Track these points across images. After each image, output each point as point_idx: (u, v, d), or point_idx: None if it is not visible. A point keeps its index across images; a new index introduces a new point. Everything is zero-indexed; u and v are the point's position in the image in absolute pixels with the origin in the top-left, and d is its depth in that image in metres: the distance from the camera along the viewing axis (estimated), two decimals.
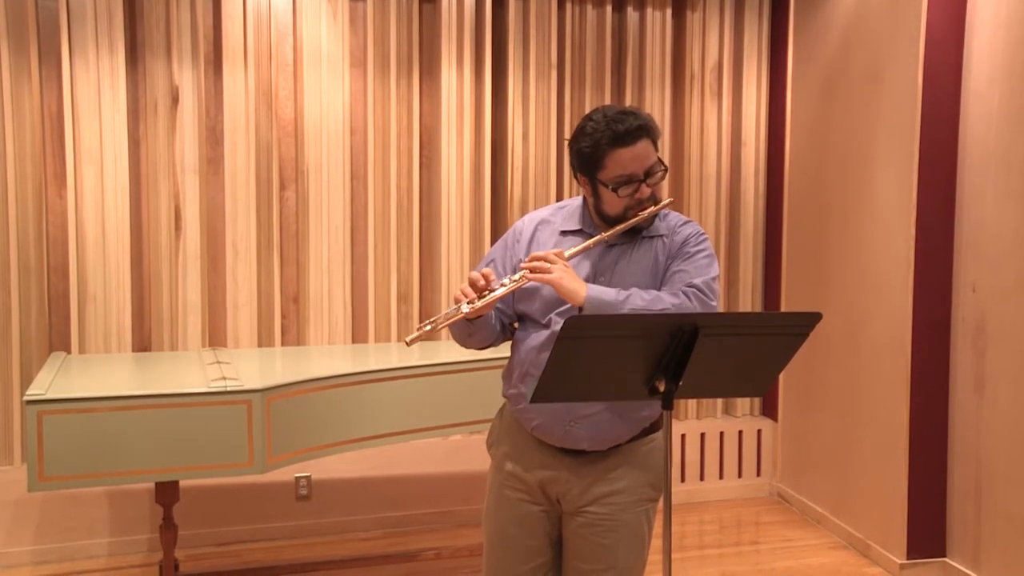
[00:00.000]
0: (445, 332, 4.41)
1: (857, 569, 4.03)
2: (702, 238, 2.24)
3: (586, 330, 1.89)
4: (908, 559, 3.88)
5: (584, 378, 1.99)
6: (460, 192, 4.42)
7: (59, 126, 3.95)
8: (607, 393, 2.08)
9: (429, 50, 4.40)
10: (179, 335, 4.13)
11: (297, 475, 4.25)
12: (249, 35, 4.14)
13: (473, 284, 2.11)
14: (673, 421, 2.09)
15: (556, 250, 2.15)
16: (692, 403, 4.87)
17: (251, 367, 3.56)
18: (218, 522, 4.17)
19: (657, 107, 4.69)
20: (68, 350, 3.98)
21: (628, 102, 4.64)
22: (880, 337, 4.03)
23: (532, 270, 2.10)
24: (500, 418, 2.42)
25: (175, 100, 4.08)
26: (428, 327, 2.12)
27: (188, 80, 4.08)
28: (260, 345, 4.23)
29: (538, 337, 2.22)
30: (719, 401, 4.94)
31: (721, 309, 4.82)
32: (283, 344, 4.27)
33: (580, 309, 2.09)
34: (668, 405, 2.01)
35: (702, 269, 2.18)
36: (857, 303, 4.20)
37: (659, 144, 2.20)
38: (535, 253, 2.16)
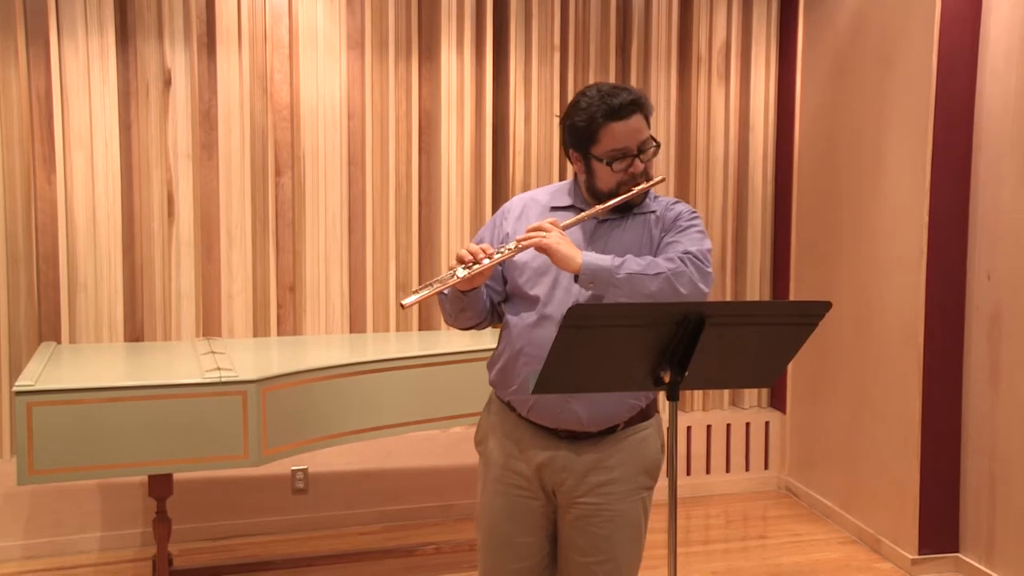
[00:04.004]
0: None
1: (867, 564, 3.97)
2: (694, 215, 2.27)
3: (589, 319, 1.87)
4: (920, 554, 3.83)
5: (587, 368, 1.97)
6: (460, 178, 4.35)
7: (47, 110, 3.87)
8: (611, 384, 2.07)
9: (428, 32, 4.32)
10: (172, 324, 4.07)
11: (293, 468, 4.20)
12: (243, 16, 4.07)
13: (472, 253, 2.12)
14: (679, 413, 2.07)
15: (551, 219, 2.15)
16: (698, 394, 4.82)
17: (246, 357, 3.52)
18: (213, 516, 4.12)
19: (663, 90, 4.62)
20: (58, 340, 3.92)
21: (633, 84, 4.53)
22: (892, 326, 3.96)
23: (528, 237, 2.10)
24: (488, 413, 2.40)
25: (167, 83, 4.00)
26: (425, 290, 2.11)
27: (180, 62, 4.01)
28: (255, 335, 4.18)
29: (529, 316, 2.22)
30: (726, 392, 4.88)
31: (713, 291, 4.75)
32: (279, 334, 4.21)
33: (576, 276, 2.08)
34: (673, 396, 1.99)
35: (696, 241, 2.19)
36: (868, 291, 4.12)
37: (651, 121, 2.22)
38: (531, 224, 2.16)
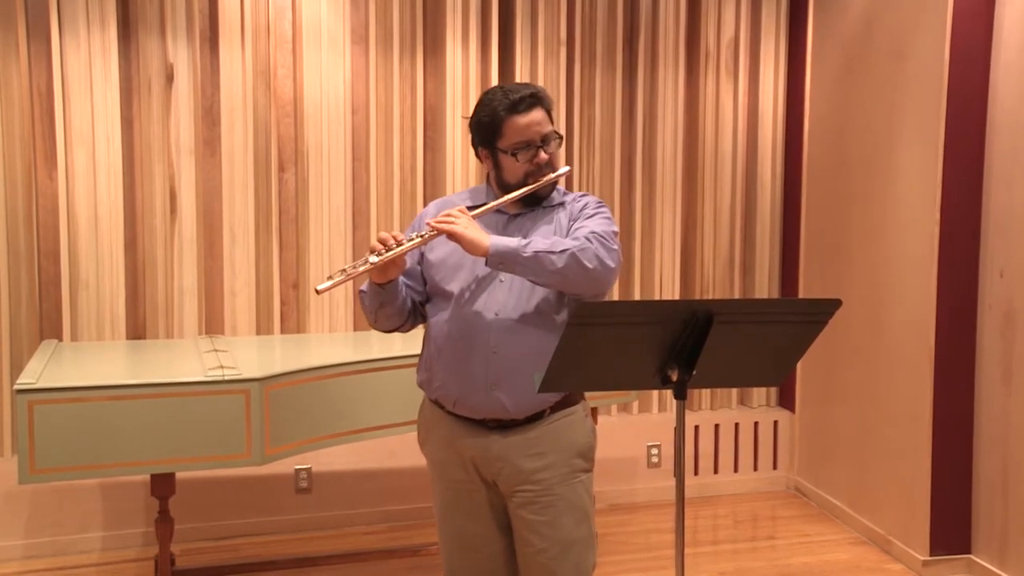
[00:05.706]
0: None
1: (878, 565, 3.92)
2: (601, 204, 2.38)
3: (596, 316, 1.87)
4: (931, 555, 3.78)
5: (593, 366, 1.97)
6: (465, 174, 4.31)
7: (49, 105, 3.85)
8: (617, 382, 2.11)
9: (433, 26, 4.29)
10: (174, 322, 4.05)
11: (297, 467, 4.17)
12: (246, 10, 4.04)
13: (382, 241, 2.18)
14: (686, 412, 2.05)
15: (460, 207, 2.25)
16: (706, 393, 4.77)
17: (249, 355, 3.50)
18: (215, 515, 4.09)
19: (671, 86, 4.58)
20: (60, 338, 3.89)
21: (640, 80, 4.54)
22: (903, 324, 3.91)
23: (438, 222, 2.18)
24: (421, 414, 2.46)
25: (169, 78, 3.97)
26: (339, 276, 2.17)
27: (183, 57, 3.98)
28: (258, 333, 4.15)
29: (446, 314, 2.29)
30: (734, 391, 4.84)
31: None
32: (282, 332, 4.18)
33: (486, 260, 2.15)
34: (681, 395, 1.99)
35: (602, 224, 2.28)
36: (879, 289, 4.08)
37: (553, 115, 2.35)
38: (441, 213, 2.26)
